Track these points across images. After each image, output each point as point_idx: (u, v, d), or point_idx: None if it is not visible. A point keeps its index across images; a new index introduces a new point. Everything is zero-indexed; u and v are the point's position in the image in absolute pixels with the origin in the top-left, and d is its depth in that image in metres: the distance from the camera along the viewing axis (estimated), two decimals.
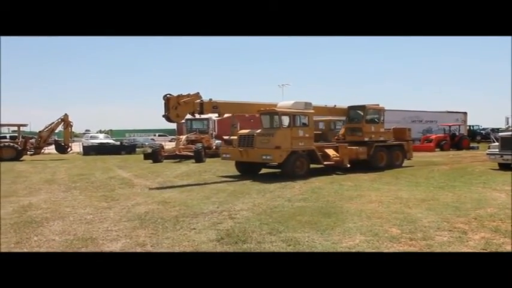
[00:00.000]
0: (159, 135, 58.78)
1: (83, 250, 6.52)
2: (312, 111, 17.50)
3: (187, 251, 6.40)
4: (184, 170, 19.93)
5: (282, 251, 6.31)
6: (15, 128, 33.05)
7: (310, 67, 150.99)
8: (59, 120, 30.58)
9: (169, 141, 46.38)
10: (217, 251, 6.39)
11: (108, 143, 38.62)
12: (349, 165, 17.57)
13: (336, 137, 20.08)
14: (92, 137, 43.16)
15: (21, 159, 28.19)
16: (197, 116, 16.96)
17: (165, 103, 15.08)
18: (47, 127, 30.64)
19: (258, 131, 16.74)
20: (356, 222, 8.02)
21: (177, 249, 6.47)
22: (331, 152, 17.67)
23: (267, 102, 17.91)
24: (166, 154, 25.70)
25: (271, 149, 15.67)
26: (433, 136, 35.72)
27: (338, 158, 17.48)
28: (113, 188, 13.50)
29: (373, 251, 6.26)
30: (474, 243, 6.54)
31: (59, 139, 33.11)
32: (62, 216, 9.04)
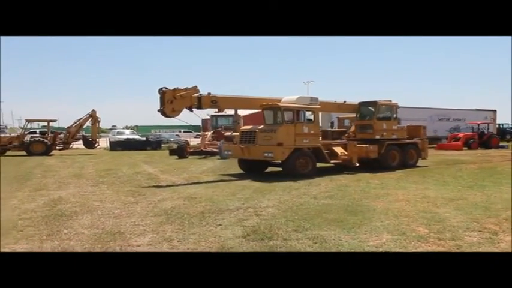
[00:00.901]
0: (184, 132, 59.16)
1: (110, 248, 6.63)
2: (318, 106, 16.77)
3: (213, 247, 6.45)
4: (210, 166, 20.03)
5: (308, 248, 6.30)
6: (45, 123, 33.77)
7: (335, 64, 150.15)
8: (87, 116, 31.09)
9: (195, 137, 46.73)
10: (216, 251, 6.39)
11: (134, 138, 39.03)
12: (357, 164, 16.88)
13: (346, 135, 19.45)
14: (119, 133, 43.69)
15: (51, 153, 28.77)
16: (194, 110, 15.77)
17: (160, 97, 14.50)
18: (75, 123, 31.19)
19: (260, 127, 16.09)
20: (383, 220, 7.94)
21: (203, 245, 6.51)
22: (339, 150, 17.18)
23: (272, 97, 16.92)
24: (191, 150, 25.92)
25: (273, 146, 14.96)
26: (461, 134, 34.94)
27: (346, 157, 16.89)
28: (140, 183, 13.66)
29: (374, 251, 6.24)
30: (506, 244, 6.40)
31: (87, 134, 33.66)
32: (90, 210, 9.21)
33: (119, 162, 22.39)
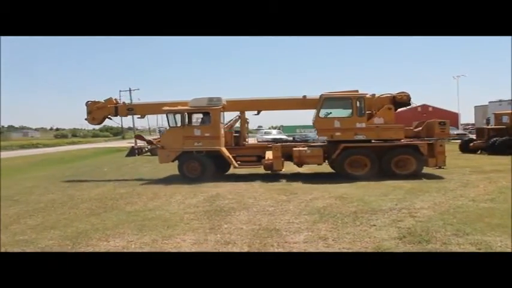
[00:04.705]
0: None
1: (268, 243, 6.92)
2: (218, 107, 15.73)
3: (369, 247, 6.40)
4: None
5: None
6: None
7: None
8: (237, 117, 32.67)
9: None
10: (216, 251, 6.46)
11: (281, 138, 40.04)
12: (282, 169, 15.57)
13: None
14: (266, 133, 45.19)
15: None
16: (113, 118, 18.18)
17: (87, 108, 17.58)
18: (226, 124, 33.00)
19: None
20: None
21: (358, 245, 6.51)
22: (269, 154, 15.69)
23: (180, 101, 16.65)
24: None
25: (159, 149, 16.03)
26: None
27: (269, 162, 15.40)
28: (290, 182, 13.98)
29: (374, 251, 6.21)
30: None
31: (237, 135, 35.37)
32: (246, 207, 9.72)
33: None
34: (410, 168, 14.72)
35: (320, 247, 6.50)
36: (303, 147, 15.78)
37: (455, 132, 44.50)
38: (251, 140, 36.84)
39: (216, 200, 10.81)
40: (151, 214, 9.23)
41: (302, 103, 16.51)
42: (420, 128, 16.04)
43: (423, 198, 10.21)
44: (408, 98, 15.68)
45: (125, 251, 6.71)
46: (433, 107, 59.30)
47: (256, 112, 17.30)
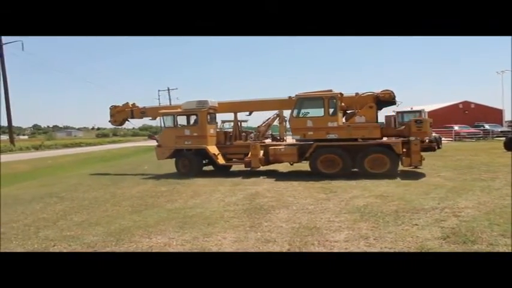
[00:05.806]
0: None
1: (309, 242, 6.90)
2: (205, 109, 17.25)
3: (412, 247, 6.29)
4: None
5: None
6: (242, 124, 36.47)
7: None
8: (275, 115, 32.64)
9: None
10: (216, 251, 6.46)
11: None
12: (260, 166, 16.45)
13: None
14: None
15: None
16: (130, 120, 20.43)
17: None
18: (264, 122, 33.00)
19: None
20: None
21: (400, 245, 6.40)
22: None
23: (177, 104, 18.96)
24: None
25: (156, 147, 18.26)
26: None
27: (248, 159, 16.44)
28: (329, 180, 13.82)
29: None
30: None
31: (275, 133, 35.35)
32: (285, 205, 9.71)
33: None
34: (384, 167, 14.48)
35: (361, 246, 6.43)
36: (279, 145, 16.65)
37: (499, 130, 43.11)
38: (288, 138, 36.93)
39: (256, 198, 10.86)
40: (192, 212, 9.36)
41: (288, 103, 16.84)
42: (403, 127, 15.71)
43: (467, 197, 9.94)
44: (391, 96, 15.29)
45: (125, 251, 6.74)
46: (475, 104, 57.62)
47: (248, 113, 19.08)
